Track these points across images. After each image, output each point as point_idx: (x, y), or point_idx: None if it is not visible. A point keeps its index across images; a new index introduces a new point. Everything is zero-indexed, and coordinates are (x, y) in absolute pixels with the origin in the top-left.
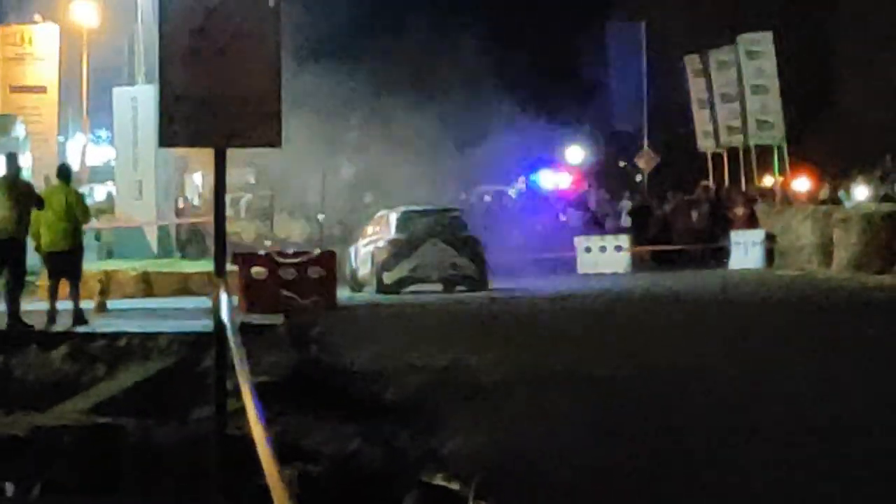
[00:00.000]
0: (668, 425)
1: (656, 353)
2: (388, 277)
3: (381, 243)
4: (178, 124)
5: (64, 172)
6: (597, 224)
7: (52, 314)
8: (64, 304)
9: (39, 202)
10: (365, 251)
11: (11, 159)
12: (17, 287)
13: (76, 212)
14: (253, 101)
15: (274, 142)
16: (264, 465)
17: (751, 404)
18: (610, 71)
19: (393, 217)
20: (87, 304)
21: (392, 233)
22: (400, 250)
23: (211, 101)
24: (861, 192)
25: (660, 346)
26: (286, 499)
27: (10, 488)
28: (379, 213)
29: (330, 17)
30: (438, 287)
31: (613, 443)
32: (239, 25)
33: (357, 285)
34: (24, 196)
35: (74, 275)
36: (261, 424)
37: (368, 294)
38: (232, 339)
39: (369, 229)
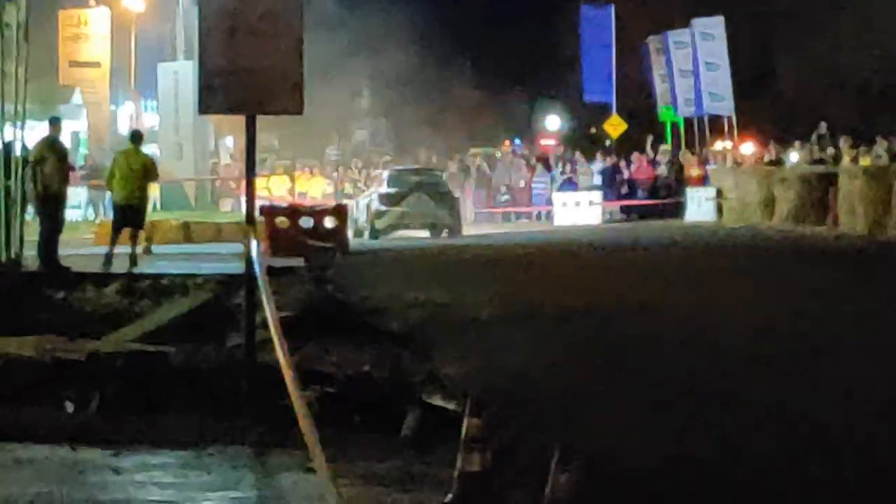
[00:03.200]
0: (630, 352)
1: (621, 291)
2: (379, 224)
3: (374, 196)
4: (215, 94)
5: (136, 137)
6: (571, 183)
7: (110, 257)
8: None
9: (155, 174)
10: (363, 203)
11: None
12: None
13: (148, 172)
14: (278, 74)
15: (297, 109)
16: (288, 386)
17: (696, 334)
18: (583, 49)
19: (385, 175)
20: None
21: (384, 188)
22: (389, 201)
23: (242, 74)
24: (797, 156)
25: (624, 285)
26: (306, 415)
27: (69, 405)
28: (374, 172)
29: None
30: (421, 233)
31: (582, 365)
32: (267, 8)
33: (357, 232)
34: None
35: (138, 225)
36: (285, 352)
37: (367, 239)
38: (260, 279)
39: (367, 185)
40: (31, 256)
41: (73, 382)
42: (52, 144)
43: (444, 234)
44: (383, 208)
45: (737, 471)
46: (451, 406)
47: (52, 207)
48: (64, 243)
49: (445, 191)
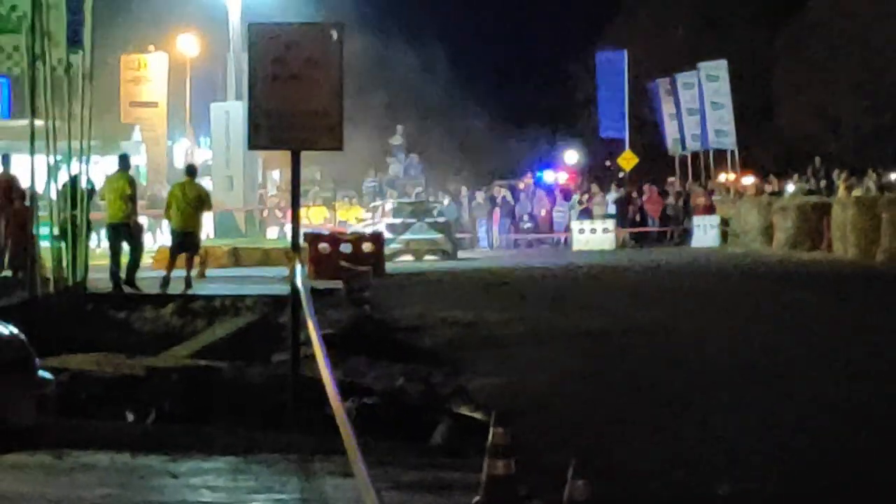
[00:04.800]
0: (641, 369)
1: (634, 313)
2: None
3: (380, 225)
4: (263, 132)
5: (191, 170)
6: (587, 212)
7: (167, 280)
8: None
9: (208, 204)
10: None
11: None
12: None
13: (202, 202)
14: (320, 115)
15: (336, 146)
16: (330, 398)
17: (706, 353)
18: (599, 90)
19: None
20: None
21: (389, 219)
22: (395, 230)
23: (288, 114)
24: (794, 187)
25: (637, 306)
26: (346, 424)
27: (129, 416)
28: (376, 203)
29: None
30: (427, 256)
31: (599, 381)
32: (309, 55)
33: None
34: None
35: (194, 250)
36: (327, 367)
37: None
38: (304, 300)
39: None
40: (94, 280)
41: (133, 395)
42: (124, 179)
43: (440, 256)
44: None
45: (740, 475)
46: (478, 416)
47: (130, 236)
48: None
49: (443, 220)
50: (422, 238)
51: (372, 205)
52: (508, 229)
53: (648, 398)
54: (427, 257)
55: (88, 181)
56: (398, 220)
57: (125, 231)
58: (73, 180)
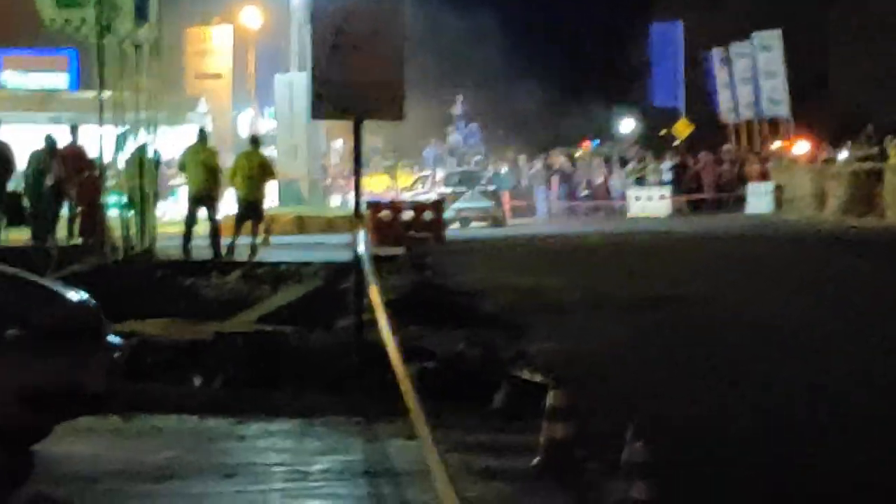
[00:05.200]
0: (687, 338)
1: (688, 280)
2: None
3: (431, 194)
4: (325, 102)
5: (255, 140)
6: (643, 178)
7: (233, 247)
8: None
9: (272, 173)
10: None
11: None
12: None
13: (266, 171)
14: (382, 85)
15: (398, 116)
16: (393, 362)
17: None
18: (653, 59)
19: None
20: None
21: (442, 188)
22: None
23: (350, 85)
24: (847, 154)
25: (691, 274)
26: (409, 388)
27: (197, 381)
28: (425, 173)
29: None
30: (477, 223)
31: (653, 347)
32: (372, 26)
33: None
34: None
35: (258, 218)
36: (389, 331)
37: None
38: (366, 266)
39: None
40: (162, 247)
41: (200, 360)
42: (206, 151)
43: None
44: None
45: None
46: (537, 380)
47: (211, 207)
48: (193, 235)
49: (493, 188)
50: (472, 206)
51: (421, 174)
52: (565, 197)
53: (703, 365)
54: (476, 223)
55: (155, 152)
56: (448, 189)
57: (207, 203)
58: (141, 151)
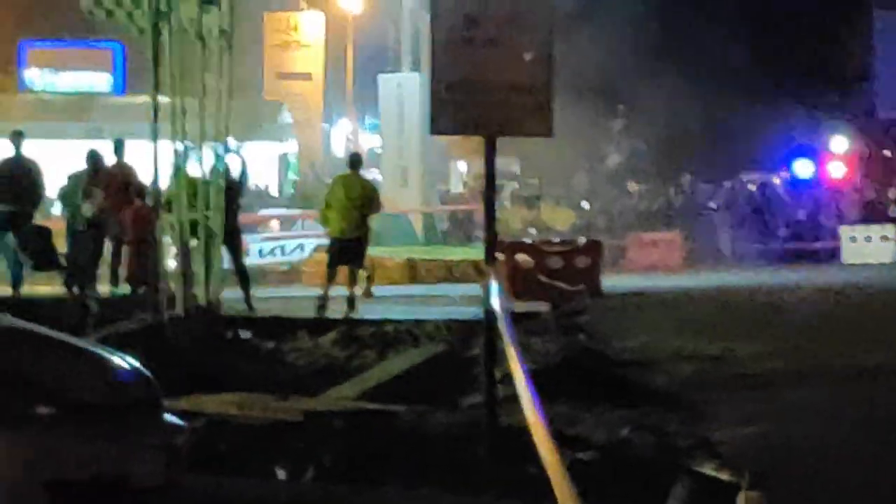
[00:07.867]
0: None
1: None
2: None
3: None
4: (449, 112)
5: (355, 161)
6: (866, 213)
7: (324, 300)
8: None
9: (377, 204)
10: None
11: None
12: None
13: (368, 201)
14: (524, 91)
15: (544, 132)
16: (542, 452)
17: None
18: (877, 60)
19: None
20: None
21: None
22: None
23: (482, 90)
24: None
25: None
26: (567, 486)
27: (281, 473)
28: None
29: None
30: None
31: (883, 440)
32: (512, 13)
33: None
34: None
35: (358, 263)
36: (537, 412)
37: None
38: (503, 327)
39: None
40: (233, 299)
41: (285, 447)
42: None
43: None
44: None
45: None
46: (724, 478)
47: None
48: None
49: None
50: None
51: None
52: (758, 235)
53: None
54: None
55: (226, 172)
56: None
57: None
58: (225, 173)
